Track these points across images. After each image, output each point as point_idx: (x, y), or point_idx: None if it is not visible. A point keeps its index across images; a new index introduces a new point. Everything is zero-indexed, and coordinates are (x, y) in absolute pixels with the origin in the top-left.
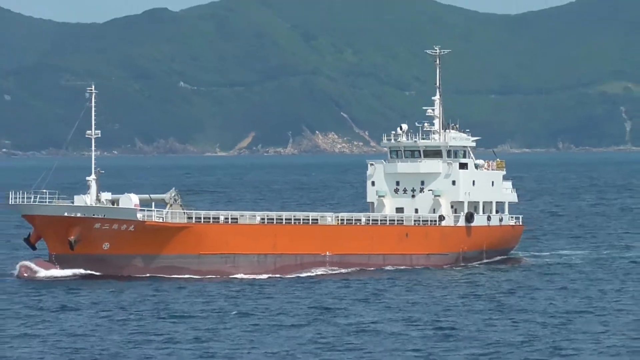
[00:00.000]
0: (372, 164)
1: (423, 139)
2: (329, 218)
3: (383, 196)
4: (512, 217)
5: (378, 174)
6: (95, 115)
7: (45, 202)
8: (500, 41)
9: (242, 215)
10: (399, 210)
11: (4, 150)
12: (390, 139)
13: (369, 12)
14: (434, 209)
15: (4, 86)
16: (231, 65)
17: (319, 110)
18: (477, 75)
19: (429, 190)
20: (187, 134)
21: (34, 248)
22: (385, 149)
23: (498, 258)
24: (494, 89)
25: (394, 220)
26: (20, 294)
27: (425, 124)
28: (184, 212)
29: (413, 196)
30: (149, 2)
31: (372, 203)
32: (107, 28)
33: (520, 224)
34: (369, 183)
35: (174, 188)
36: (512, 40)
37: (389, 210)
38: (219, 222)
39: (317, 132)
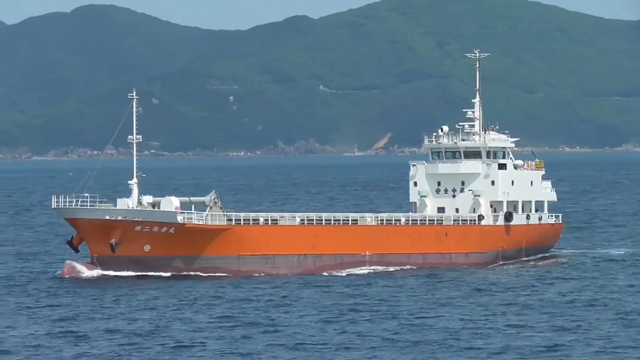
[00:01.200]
0: (414, 165)
1: (463, 140)
2: (369, 218)
3: (425, 196)
4: (551, 216)
5: (420, 175)
6: (238, 118)
7: (87, 205)
8: (624, 45)
9: (282, 217)
10: (440, 209)
11: (152, 151)
12: (432, 141)
13: (498, 20)
14: (474, 209)
15: (152, 90)
16: (368, 69)
17: (451, 111)
18: (602, 79)
19: (468, 190)
20: (326, 135)
21: (76, 251)
22: (427, 150)
23: (539, 256)
24: (618, 91)
25: (433, 220)
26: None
27: (466, 126)
28: (224, 215)
29: (454, 196)
30: (290, 10)
31: (415, 203)
32: (250, 35)
33: (560, 222)
34: (411, 183)
35: (214, 191)
36: (636, 44)
37: (430, 210)
38: (258, 223)
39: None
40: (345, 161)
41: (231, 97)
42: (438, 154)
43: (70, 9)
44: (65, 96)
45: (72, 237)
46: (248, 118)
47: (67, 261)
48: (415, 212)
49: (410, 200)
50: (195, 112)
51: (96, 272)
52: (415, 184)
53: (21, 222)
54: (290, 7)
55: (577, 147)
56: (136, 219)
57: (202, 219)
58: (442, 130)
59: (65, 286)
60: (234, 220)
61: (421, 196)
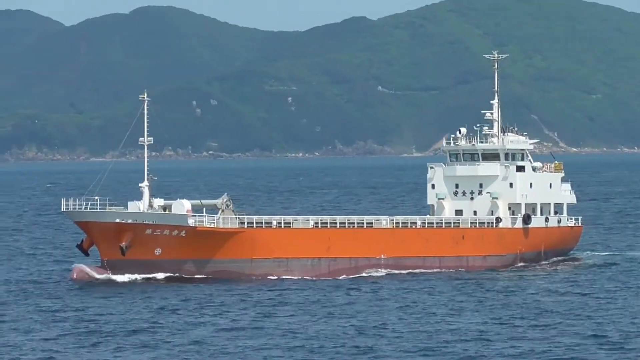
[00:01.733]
0: (432, 167)
1: (481, 142)
2: (384, 221)
3: (442, 199)
4: (570, 218)
5: (438, 177)
6: (296, 119)
7: (97, 208)
8: None
9: (296, 220)
10: (458, 212)
11: (210, 152)
12: (450, 143)
13: (556, 20)
14: (492, 211)
15: (210, 92)
16: (426, 70)
17: (510, 112)
18: None
19: (487, 193)
20: (384, 135)
21: (86, 254)
22: (445, 152)
23: (559, 258)
24: None
25: (449, 222)
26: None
27: (484, 128)
28: (236, 218)
29: (472, 198)
30: (349, 11)
31: (432, 205)
32: (308, 36)
33: (580, 224)
34: (429, 186)
35: (226, 194)
36: None
37: (448, 213)
38: (271, 226)
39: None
40: (402, 162)
41: (290, 98)
42: (456, 156)
43: (129, 10)
44: (124, 97)
45: (83, 240)
46: (306, 119)
47: (75, 265)
48: (433, 214)
49: (428, 203)
50: (254, 113)
51: (105, 276)
52: (433, 186)
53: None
54: (348, 8)
55: (636, 148)
56: (146, 222)
57: (214, 222)
58: (459, 132)
59: (76, 291)
60: (246, 224)
61: (439, 199)
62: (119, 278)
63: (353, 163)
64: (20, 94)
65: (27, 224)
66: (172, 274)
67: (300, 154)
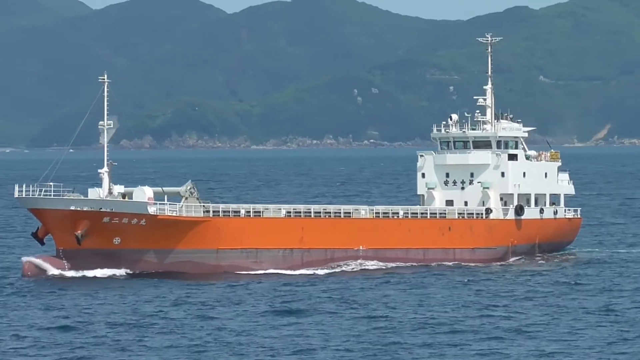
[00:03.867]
0: (422, 155)
1: (473, 129)
2: (363, 211)
3: (433, 188)
4: (568, 210)
5: (428, 166)
6: (458, 108)
7: (51, 195)
8: None
9: (267, 209)
10: (449, 202)
11: (372, 140)
12: (441, 130)
13: None
14: (483, 202)
15: (372, 80)
16: (588, 60)
17: None
18: None
19: (477, 183)
20: (545, 125)
21: (42, 243)
22: (436, 140)
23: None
24: None
25: (435, 213)
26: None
27: (477, 114)
28: (201, 206)
29: (462, 188)
30: (511, 0)
31: (423, 195)
32: (470, 25)
33: (579, 216)
34: (419, 175)
35: (190, 180)
36: None
37: (438, 203)
38: (239, 215)
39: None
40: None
41: (451, 87)
42: (447, 144)
43: None
44: (285, 85)
45: (38, 228)
46: (468, 108)
47: (24, 258)
48: (423, 204)
49: (418, 193)
50: (415, 102)
51: (59, 272)
52: (423, 175)
53: None
54: None
55: None
56: (104, 210)
57: (176, 211)
58: (451, 119)
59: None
60: (211, 212)
61: (429, 188)
62: (71, 274)
63: None
64: (181, 81)
65: None
66: (131, 265)
67: None
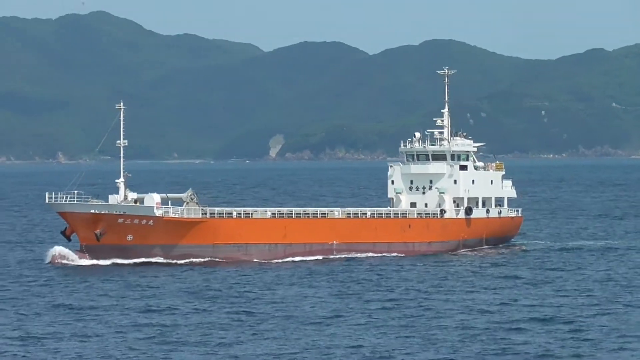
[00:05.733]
0: (391, 166)
1: (432, 144)
2: (337, 212)
3: (400, 193)
4: (511, 210)
5: (396, 174)
6: (548, 128)
7: (74, 201)
8: None
9: (256, 211)
10: (413, 204)
11: (481, 154)
12: (406, 145)
13: None
14: (439, 204)
15: (481, 106)
16: None
17: None
18: None
19: (435, 188)
20: (617, 141)
21: (69, 240)
22: (402, 153)
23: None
24: None
25: (397, 213)
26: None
27: (436, 132)
28: (200, 209)
29: (424, 193)
30: (590, 43)
31: (392, 198)
32: (558, 63)
33: (520, 215)
34: (389, 182)
35: (190, 188)
36: None
37: (404, 205)
38: (232, 216)
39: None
40: (630, 162)
41: (543, 112)
42: (412, 157)
43: (419, 42)
44: (413, 110)
45: (66, 227)
46: (557, 128)
47: (54, 248)
48: (392, 206)
49: (388, 197)
50: (515, 125)
51: (84, 261)
52: (393, 182)
53: None
54: (590, 40)
55: None
56: (117, 213)
57: (179, 213)
58: (415, 137)
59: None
60: (208, 214)
61: (397, 193)
62: (88, 262)
63: (592, 162)
64: (332, 108)
65: None
66: (141, 257)
67: (551, 156)
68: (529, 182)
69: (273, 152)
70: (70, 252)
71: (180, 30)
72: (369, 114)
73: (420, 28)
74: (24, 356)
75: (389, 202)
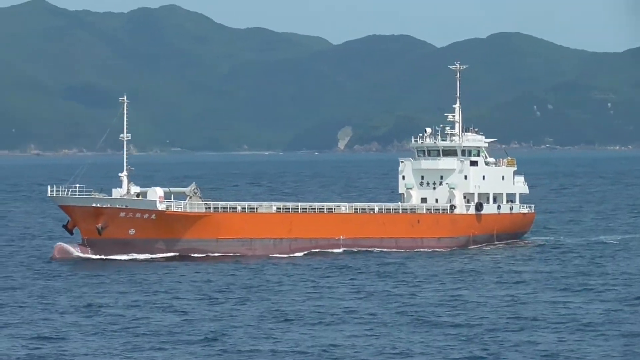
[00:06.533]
0: (402, 162)
1: (442, 140)
2: (343, 207)
3: (410, 188)
4: (523, 206)
5: (407, 170)
6: (613, 120)
7: (76, 194)
8: None
9: (261, 205)
10: (424, 200)
11: (547, 145)
12: (417, 141)
13: None
14: (450, 199)
15: (547, 99)
16: None
17: None
18: None
19: (446, 184)
20: None
21: (71, 233)
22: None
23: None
24: None
25: (406, 209)
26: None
27: (447, 128)
28: (203, 203)
29: (434, 188)
30: None
31: (403, 194)
32: (624, 55)
33: (532, 211)
34: (400, 177)
35: (194, 182)
36: None
37: (415, 200)
38: (236, 211)
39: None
40: None
41: (609, 104)
42: (423, 152)
43: (486, 35)
44: (480, 102)
45: (68, 221)
46: (622, 120)
47: (57, 244)
48: (403, 202)
49: (399, 192)
50: (581, 116)
51: (85, 255)
52: (403, 177)
53: None
54: None
55: None
56: (119, 207)
57: (181, 207)
58: (426, 132)
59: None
60: (212, 208)
61: (407, 188)
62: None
63: None
64: (399, 100)
65: None
66: (144, 251)
67: (617, 147)
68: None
69: (341, 144)
70: (70, 247)
71: (250, 24)
72: (435, 106)
73: (487, 21)
74: (30, 354)
75: (400, 197)
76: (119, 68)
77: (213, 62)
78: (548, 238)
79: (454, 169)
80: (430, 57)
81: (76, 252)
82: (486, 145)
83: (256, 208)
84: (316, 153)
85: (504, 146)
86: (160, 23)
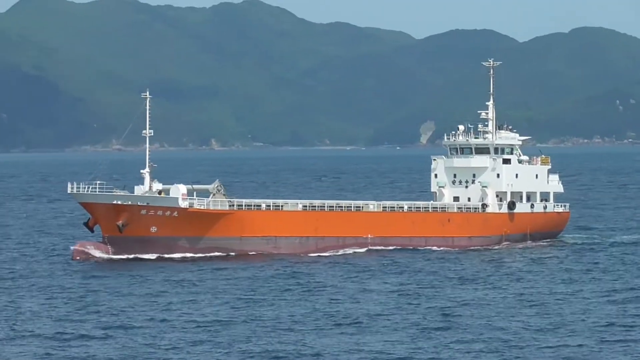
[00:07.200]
0: (435, 159)
1: (475, 138)
2: (372, 205)
3: (443, 186)
4: (558, 205)
5: (439, 168)
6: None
7: (97, 191)
8: None
9: (286, 203)
10: (456, 198)
11: (630, 140)
12: (450, 138)
13: None
14: (482, 198)
15: (630, 93)
16: None
17: None
18: None
19: (478, 182)
20: None
21: (92, 231)
22: (446, 146)
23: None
24: None
25: (436, 207)
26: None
27: (480, 126)
28: (227, 201)
29: (466, 187)
30: None
31: (435, 192)
32: None
33: (567, 211)
34: (432, 175)
35: (217, 180)
36: None
37: (447, 199)
38: (261, 209)
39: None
40: None
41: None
42: (456, 150)
43: (568, 29)
44: (562, 97)
45: (89, 219)
46: None
47: (78, 243)
48: (435, 200)
49: (432, 190)
50: None
51: (106, 255)
52: (436, 175)
53: None
54: None
55: None
56: (141, 204)
57: (204, 204)
58: (458, 129)
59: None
60: (235, 206)
61: (440, 186)
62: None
63: None
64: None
65: None
66: (166, 250)
67: None
68: None
69: (424, 139)
70: (90, 246)
71: (332, 19)
72: (519, 100)
73: (570, 16)
74: (48, 353)
75: (432, 195)
76: (201, 63)
77: (295, 57)
78: (586, 237)
79: (486, 167)
80: (513, 51)
81: (96, 251)
82: (520, 143)
83: (281, 206)
84: (398, 148)
85: (537, 144)
86: (242, 18)
